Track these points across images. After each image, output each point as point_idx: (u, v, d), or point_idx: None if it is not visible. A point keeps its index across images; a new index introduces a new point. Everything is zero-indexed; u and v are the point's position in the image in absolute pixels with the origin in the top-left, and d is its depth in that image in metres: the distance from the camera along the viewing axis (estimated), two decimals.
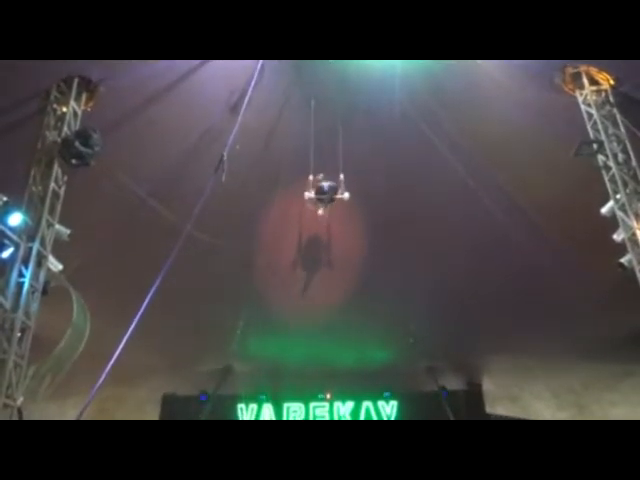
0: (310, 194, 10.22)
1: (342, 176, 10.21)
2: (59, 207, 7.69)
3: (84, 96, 8.37)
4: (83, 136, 7.75)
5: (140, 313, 6.84)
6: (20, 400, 6.67)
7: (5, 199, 7.02)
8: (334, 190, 10.12)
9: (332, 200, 10.17)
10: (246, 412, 15.59)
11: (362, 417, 15.46)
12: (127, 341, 6.71)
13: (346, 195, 10.13)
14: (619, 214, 8.03)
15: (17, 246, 7.05)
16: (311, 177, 10.31)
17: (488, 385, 15.44)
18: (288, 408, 15.50)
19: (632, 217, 7.84)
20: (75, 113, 8.20)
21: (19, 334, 6.82)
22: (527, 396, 15.13)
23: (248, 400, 15.54)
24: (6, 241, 6.95)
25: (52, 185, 7.58)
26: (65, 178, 7.84)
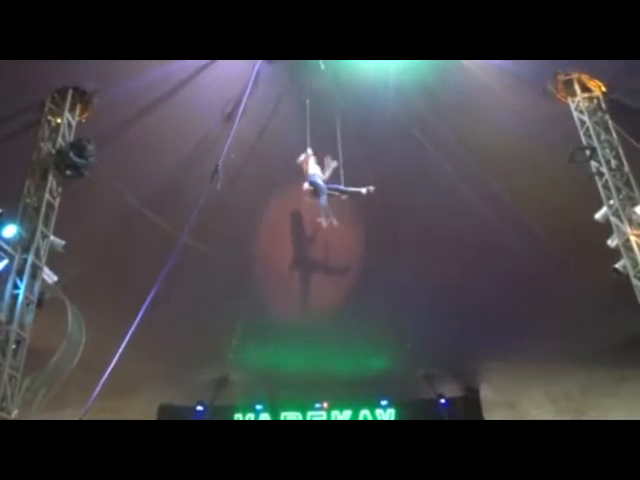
0: (308, 185, 9.98)
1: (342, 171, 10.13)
2: (54, 218, 7.68)
3: (78, 107, 8.38)
4: (77, 147, 7.76)
5: (136, 323, 6.83)
6: (15, 412, 6.63)
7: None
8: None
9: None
10: None
11: None
12: (123, 351, 6.69)
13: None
14: (613, 220, 8.07)
15: (12, 258, 7.03)
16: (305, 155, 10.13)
17: (486, 391, 15.37)
18: (285, 417, 15.42)
19: (626, 223, 7.87)
20: (69, 124, 8.21)
21: (14, 346, 6.78)
22: (525, 402, 15.06)
23: (245, 410, 15.42)
24: (1, 253, 6.92)
25: (47, 196, 7.58)
26: (60, 189, 7.83)
